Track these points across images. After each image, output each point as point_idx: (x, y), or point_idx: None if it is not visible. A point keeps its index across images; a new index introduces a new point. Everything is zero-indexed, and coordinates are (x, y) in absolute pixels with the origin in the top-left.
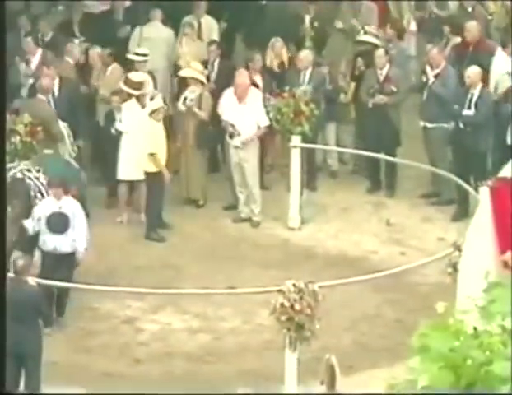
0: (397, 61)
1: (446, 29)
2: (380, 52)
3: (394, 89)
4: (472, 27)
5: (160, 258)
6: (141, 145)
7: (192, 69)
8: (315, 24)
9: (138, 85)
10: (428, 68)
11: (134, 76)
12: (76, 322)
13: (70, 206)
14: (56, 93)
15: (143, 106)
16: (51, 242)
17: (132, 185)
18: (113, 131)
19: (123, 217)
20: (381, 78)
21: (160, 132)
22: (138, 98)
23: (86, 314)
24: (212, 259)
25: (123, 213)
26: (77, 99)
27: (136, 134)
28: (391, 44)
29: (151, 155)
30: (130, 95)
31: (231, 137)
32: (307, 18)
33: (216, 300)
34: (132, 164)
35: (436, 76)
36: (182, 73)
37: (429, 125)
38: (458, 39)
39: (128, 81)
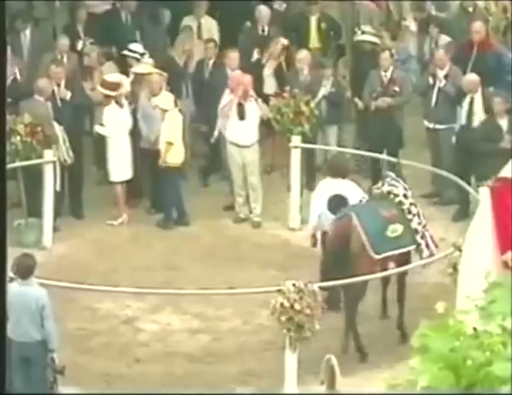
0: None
1: (434, 29)
2: (386, 54)
3: (397, 89)
4: (480, 28)
5: (160, 258)
6: (126, 142)
7: (145, 64)
8: (323, 25)
9: (114, 86)
10: (438, 70)
11: (110, 77)
12: (76, 322)
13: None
14: (62, 94)
15: (121, 106)
16: None
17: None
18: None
19: (123, 218)
20: (385, 80)
21: (176, 123)
22: (116, 99)
23: (86, 314)
24: (212, 259)
25: (123, 214)
26: (82, 101)
27: (120, 135)
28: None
29: (169, 144)
30: (109, 98)
31: (242, 118)
32: (313, 19)
33: (216, 301)
34: (122, 164)
35: (445, 78)
36: (138, 70)
37: (439, 126)
38: (446, 39)
39: (104, 83)
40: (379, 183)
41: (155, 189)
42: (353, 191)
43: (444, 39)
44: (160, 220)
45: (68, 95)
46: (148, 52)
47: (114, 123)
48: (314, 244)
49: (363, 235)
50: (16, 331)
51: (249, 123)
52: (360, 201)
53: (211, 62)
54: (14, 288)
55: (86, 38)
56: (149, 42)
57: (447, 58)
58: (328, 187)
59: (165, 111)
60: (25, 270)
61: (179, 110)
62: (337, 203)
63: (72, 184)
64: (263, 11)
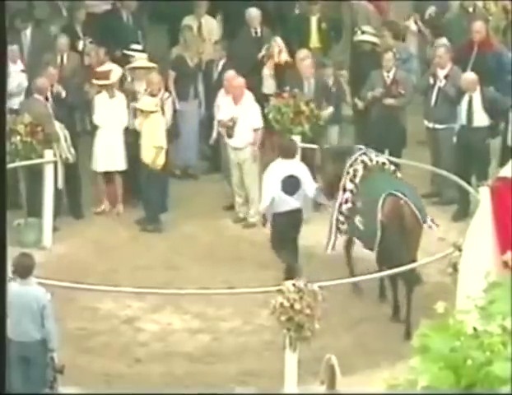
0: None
1: (426, 30)
2: (389, 55)
3: (402, 91)
4: (481, 27)
5: (160, 258)
6: (116, 134)
7: (141, 59)
8: (323, 25)
9: (104, 75)
10: (439, 70)
11: (101, 68)
12: (76, 322)
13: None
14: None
15: (111, 96)
16: None
17: (110, 176)
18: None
19: (105, 205)
20: (388, 81)
21: (160, 125)
22: (107, 88)
23: (86, 314)
24: (212, 259)
25: (104, 201)
26: (78, 100)
27: (109, 125)
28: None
29: (161, 148)
30: (101, 87)
31: (230, 136)
32: (313, 19)
33: (216, 300)
34: (108, 154)
35: (446, 78)
36: (134, 64)
37: (438, 126)
38: (443, 41)
39: (96, 75)
40: (365, 156)
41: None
42: (303, 171)
43: (442, 41)
44: (146, 226)
45: (63, 93)
46: (150, 52)
47: (103, 112)
48: (264, 224)
49: (414, 208)
50: (16, 330)
51: (243, 126)
52: (354, 177)
53: (221, 63)
54: (14, 288)
55: (85, 37)
56: (150, 42)
57: (448, 57)
58: (279, 168)
59: (149, 113)
60: (25, 270)
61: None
62: (290, 184)
63: (70, 184)
64: (253, 12)
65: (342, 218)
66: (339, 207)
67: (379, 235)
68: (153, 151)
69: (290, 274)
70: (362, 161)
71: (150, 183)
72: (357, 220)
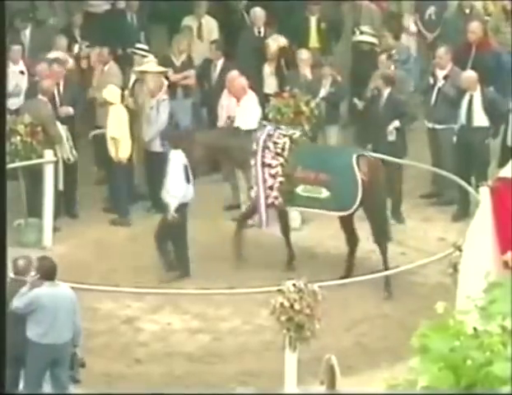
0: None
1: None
2: (383, 57)
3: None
4: (477, 28)
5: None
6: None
7: (151, 62)
8: (322, 25)
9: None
10: (438, 70)
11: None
12: None
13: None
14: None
15: None
16: None
17: None
18: None
19: None
20: None
21: (122, 117)
22: None
23: (85, 314)
24: (212, 259)
25: None
26: (79, 101)
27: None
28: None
29: (113, 139)
30: None
31: None
32: (313, 19)
33: (216, 300)
34: None
35: (445, 78)
36: (144, 68)
37: (438, 126)
38: (403, 39)
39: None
40: (282, 130)
41: (155, 189)
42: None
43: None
44: (115, 219)
45: (71, 110)
46: (150, 52)
47: None
48: (173, 217)
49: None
50: (49, 333)
51: (243, 124)
52: (282, 150)
53: (219, 63)
54: (44, 291)
55: (82, 41)
56: (150, 42)
57: (448, 58)
58: (178, 158)
59: (110, 104)
60: (49, 272)
61: (126, 105)
62: (186, 173)
63: (67, 184)
64: (258, 12)
65: (275, 193)
66: (264, 183)
67: (360, 195)
68: (110, 143)
69: (169, 269)
70: (284, 135)
71: (114, 176)
72: (301, 189)
